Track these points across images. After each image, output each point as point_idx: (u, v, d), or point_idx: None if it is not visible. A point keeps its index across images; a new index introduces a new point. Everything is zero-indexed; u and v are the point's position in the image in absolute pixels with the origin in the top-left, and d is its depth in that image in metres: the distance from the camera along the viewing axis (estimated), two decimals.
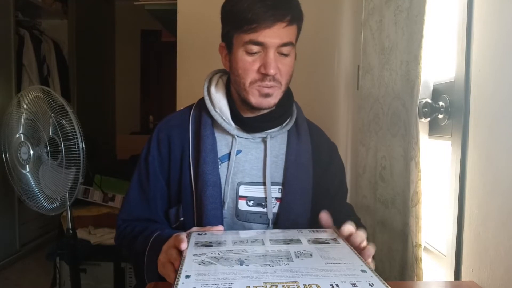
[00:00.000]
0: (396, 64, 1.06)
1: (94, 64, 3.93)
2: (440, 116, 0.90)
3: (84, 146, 1.59)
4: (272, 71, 0.85)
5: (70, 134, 1.58)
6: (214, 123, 0.95)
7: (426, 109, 0.90)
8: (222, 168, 0.93)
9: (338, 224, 0.84)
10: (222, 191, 0.92)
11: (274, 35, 0.83)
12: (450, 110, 0.88)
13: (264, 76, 0.86)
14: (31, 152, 1.65)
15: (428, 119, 0.91)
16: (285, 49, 0.86)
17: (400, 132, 1.02)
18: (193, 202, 0.92)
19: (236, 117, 0.93)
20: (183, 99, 1.83)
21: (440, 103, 0.90)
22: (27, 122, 1.66)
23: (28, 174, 1.69)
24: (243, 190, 0.93)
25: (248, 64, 0.86)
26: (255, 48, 0.85)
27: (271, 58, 0.85)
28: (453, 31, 0.86)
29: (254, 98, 0.88)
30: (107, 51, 4.30)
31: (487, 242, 0.75)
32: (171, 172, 0.95)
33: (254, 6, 0.82)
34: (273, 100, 0.90)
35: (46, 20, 3.38)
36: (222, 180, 0.92)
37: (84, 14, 3.64)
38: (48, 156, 1.61)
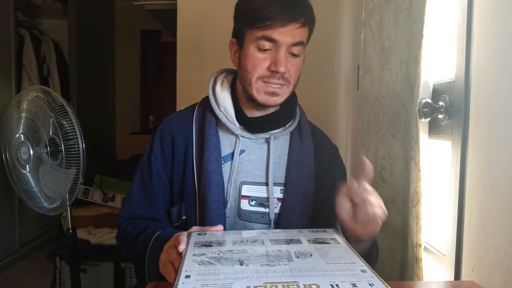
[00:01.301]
0: (396, 64, 1.06)
1: (94, 64, 3.93)
2: (440, 116, 0.90)
3: (84, 146, 1.59)
4: (282, 69, 0.86)
5: (70, 134, 1.58)
6: (218, 122, 0.95)
7: (426, 109, 0.90)
8: (225, 167, 0.93)
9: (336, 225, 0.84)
10: (225, 191, 0.92)
11: (288, 34, 0.85)
12: (450, 110, 0.88)
13: (273, 73, 0.87)
14: (31, 152, 1.65)
15: (428, 119, 0.91)
16: (296, 49, 0.87)
17: (400, 132, 1.02)
18: (196, 201, 0.92)
19: (240, 117, 0.94)
20: (183, 99, 1.83)
21: (440, 103, 0.90)
22: (27, 122, 1.66)
23: (28, 174, 1.69)
24: (246, 190, 0.93)
25: (259, 61, 0.87)
26: (267, 45, 0.86)
27: (282, 56, 0.86)
28: (453, 31, 0.86)
29: (260, 95, 0.89)
30: (107, 51, 4.30)
31: (487, 242, 0.75)
32: (174, 170, 0.95)
33: (270, 4, 0.83)
34: (279, 99, 0.90)
35: (46, 20, 3.38)
36: (225, 179, 0.92)
37: (84, 14, 3.64)
38: (48, 156, 1.61)
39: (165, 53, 4.25)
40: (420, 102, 0.90)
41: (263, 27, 0.84)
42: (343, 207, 0.78)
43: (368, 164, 0.77)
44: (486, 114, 0.77)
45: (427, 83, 0.91)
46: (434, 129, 0.94)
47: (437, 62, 0.93)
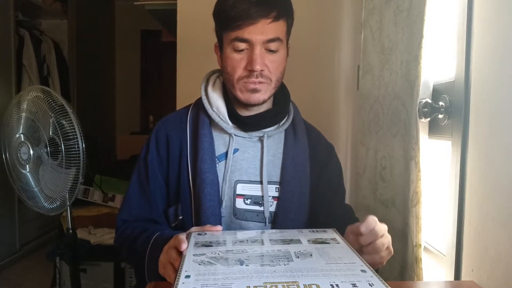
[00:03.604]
0: (396, 64, 1.06)
1: (94, 64, 3.93)
2: (440, 116, 0.90)
3: (84, 146, 1.59)
4: (258, 67, 0.86)
5: (70, 134, 1.57)
6: (212, 122, 0.96)
7: (426, 109, 0.90)
8: (220, 166, 0.94)
9: (336, 223, 0.84)
10: (220, 190, 0.92)
11: (259, 31, 0.84)
12: (450, 110, 0.88)
13: (250, 72, 0.87)
14: (31, 152, 1.65)
15: (428, 119, 0.91)
16: (272, 45, 0.87)
17: (400, 132, 1.02)
18: (191, 201, 0.92)
19: (233, 116, 0.94)
20: (183, 99, 1.83)
21: (440, 103, 0.90)
22: (27, 122, 1.66)
23: (28, 174, 1.69)
24: (241, 189, 0.94)
25: (236, 62, 0.87)
26: (241, 45, 0.86)
27: (256, 55, 0.85)
28: (453, 31, 0.86)
29: (242, 94, 0.90)
30: (107, 51, 4.30)
31: (487, 242, 0.75)
32: (170, 171, 0.96)
33: (238, 4, 0.83)
34: (262, 96, 0.90)
35: (46, 20, 3.38)
36: (220, 179, 0.93)
37: (84, 14, 3.64)
38: (48, 156, 1.61)
39: (165, 53, 4.25)
40: (420, 102, 0.90)
41: (234, 27, 0.84)
42: (351, 242, 0.74)
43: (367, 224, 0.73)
44: (486, 114, 0.77)
45: (427, 83, 0.91)
46: (434, 129, 0.94)
47: (437, 62, 0.93)
